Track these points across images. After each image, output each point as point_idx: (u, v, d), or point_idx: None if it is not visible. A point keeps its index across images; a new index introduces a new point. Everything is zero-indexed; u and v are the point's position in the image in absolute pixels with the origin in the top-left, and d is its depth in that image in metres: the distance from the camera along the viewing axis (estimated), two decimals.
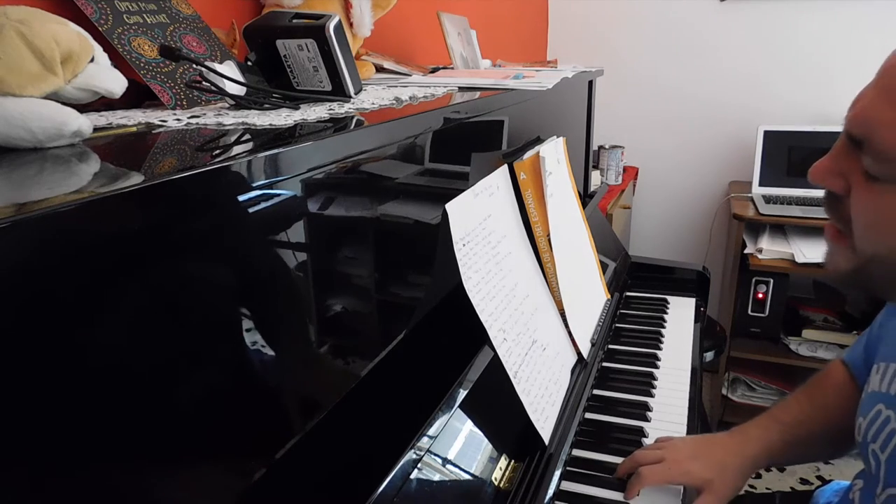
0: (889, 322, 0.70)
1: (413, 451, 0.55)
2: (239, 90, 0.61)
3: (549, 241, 0.87)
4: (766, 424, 0.79)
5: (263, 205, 0.46)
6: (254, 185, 0.44)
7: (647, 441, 0.85)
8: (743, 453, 0.75)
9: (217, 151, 0.46)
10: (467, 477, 0.61)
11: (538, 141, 1.00)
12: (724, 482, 0.73)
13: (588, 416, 0.89)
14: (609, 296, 1.14)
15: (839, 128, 0.51)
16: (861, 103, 0.47)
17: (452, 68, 1.19)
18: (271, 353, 0.47)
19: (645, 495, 0.74)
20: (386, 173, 0.63)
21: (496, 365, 0.68)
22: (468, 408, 0.64)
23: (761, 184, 2.16)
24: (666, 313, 1.26)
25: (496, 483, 0.63)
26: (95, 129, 0.49)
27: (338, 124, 0.56)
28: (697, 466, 0.73)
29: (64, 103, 0.42)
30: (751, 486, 1.91)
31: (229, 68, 0.60)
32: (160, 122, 0.55)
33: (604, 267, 1.17)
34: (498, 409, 0.70)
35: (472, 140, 0.83)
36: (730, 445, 0.76)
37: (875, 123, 0.44)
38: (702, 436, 0.82)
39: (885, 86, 0.45)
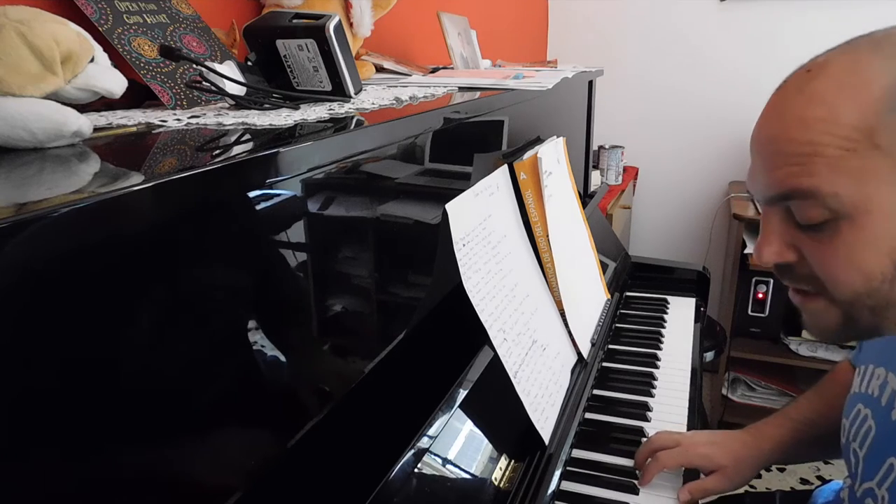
0: None
1: (413, 451, 0.55)
2: (239, 90, 0.61)
3: (549, 241, 0.87)
4: (779, 423, 0.81)
5: (263, 205, 0.46)
6: (254, 185, 0.44)
7: None
8: (758, 447, 0.78)
9: (217, 151, 0.46)
10: (467, 477, 0.61)
11: (538, 141, 1.00)
12: (737, 471, 0.76)
13: (588, 416, 0.90)
14: (609, 296, 1.14)
15: None
16: (758, 173, 0.48)
17: (452, 68, 1.18)
18: (270, 353, 0.47)
19: (645, 493, 0.74)
20: (386, 173, 0.63)
21: (496, 365, 0.68)
22: (468, 408, 0.64)
23: None
24: (666, 313, 1.26)
25: (496, 483, 0.63)
26: (95, 129, 0.49)
27: (338, 124, 0.56)
28: (714, 451, 0.77)
29: (64, 103, 0.42)
30: (751, 486, 1.91)
31: (229, 68, 0.60)
32: (160, 122, 0.55)
33: (604, 267, 1.17)
34: (498, 409, 0.70)
35: (472, 140, 0.83)
36: (746, 440, 0.80)
37: (785, 174, 0.46)
38: (717, 430, 0.85)
39: (771, 139, 0.48)
